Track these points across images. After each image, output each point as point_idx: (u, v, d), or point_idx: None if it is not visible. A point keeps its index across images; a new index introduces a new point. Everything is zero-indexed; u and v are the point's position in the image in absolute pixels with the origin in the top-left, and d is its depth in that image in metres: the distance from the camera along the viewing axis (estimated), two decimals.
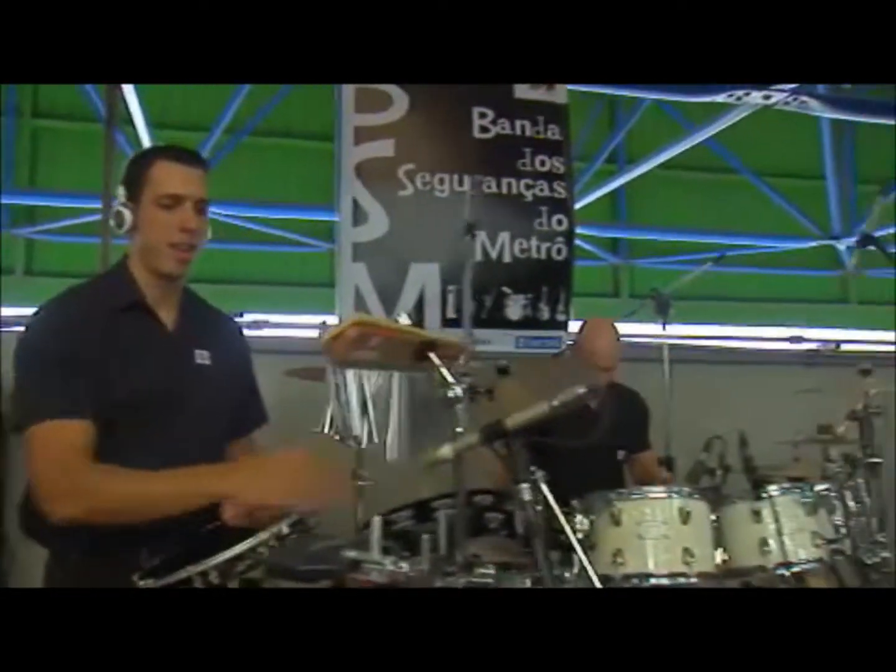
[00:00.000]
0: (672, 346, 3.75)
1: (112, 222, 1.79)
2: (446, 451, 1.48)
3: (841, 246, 6.60)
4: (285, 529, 1.30)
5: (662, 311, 3.56)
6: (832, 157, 6.33)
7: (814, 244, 6.59)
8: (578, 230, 6.51)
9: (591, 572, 2.47)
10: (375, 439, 3.04)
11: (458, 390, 1.62)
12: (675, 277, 4.45)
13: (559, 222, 4.50)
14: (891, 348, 6.12)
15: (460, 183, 4.41)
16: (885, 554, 2.69)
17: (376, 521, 1.42)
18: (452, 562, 1.66)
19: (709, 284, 7.07)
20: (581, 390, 1.43)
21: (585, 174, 6.59)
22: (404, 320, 1.80)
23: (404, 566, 1.39)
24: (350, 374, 2.79)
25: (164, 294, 1.79)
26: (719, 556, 2.65)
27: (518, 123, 4.48)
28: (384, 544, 1.78)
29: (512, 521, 2.02)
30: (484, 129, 4.46)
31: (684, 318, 6.15)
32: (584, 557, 2.47)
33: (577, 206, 6.26)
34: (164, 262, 1.74)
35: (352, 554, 1.37)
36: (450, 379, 1.61)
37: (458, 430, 1.62)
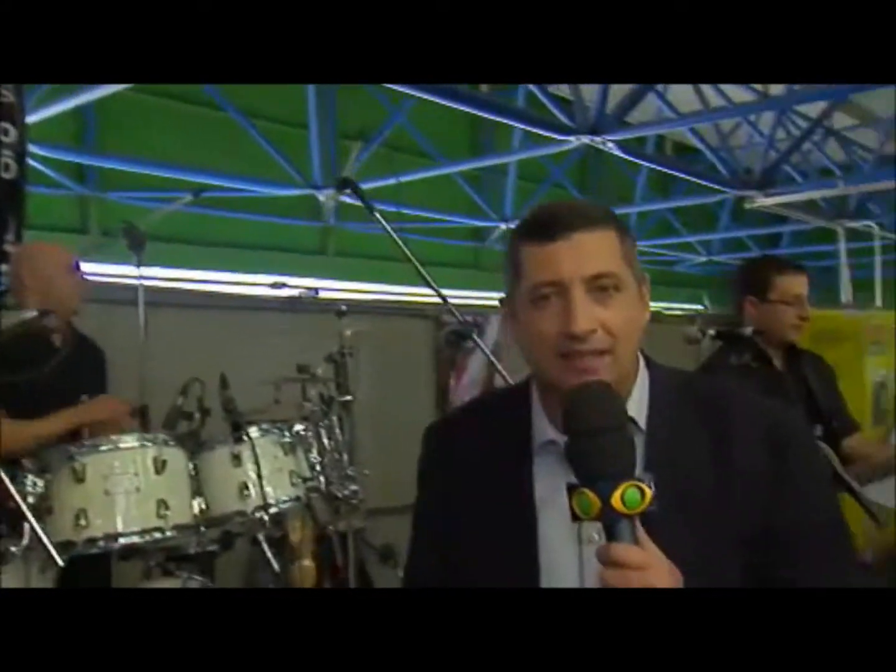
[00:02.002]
0: (149, 290, 3.51)
1: None
2: None
3: (321, 196, 7.00)
4: None
5: (136, 247, 3.28)
6: (316, 108, 6.61)
7: (296, 192, 6.83)
8: (38, 151, 5.78)
9: (45, 541, 2.18)
10: None
11: None
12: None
13: (5, 132, 3.87)
14: (365, 297, 6.78)
15: None
16: (354, 487, 2.91)
17: None
18: None
19: (193, 228, 6.92)
20: (30, 314, 1.18)
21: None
22: None
23: None
24: None
25: None
26: (197, 505, 2.57)
27: None
28: None
29: None
30: None
31: (164, 262, 5.92)
32: (35, 524, 2.16)
33: (33, 120, 5.51)
34: None
35: None
36: None
37: None
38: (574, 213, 1.10)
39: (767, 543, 1.08)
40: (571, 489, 0.97)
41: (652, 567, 0.94)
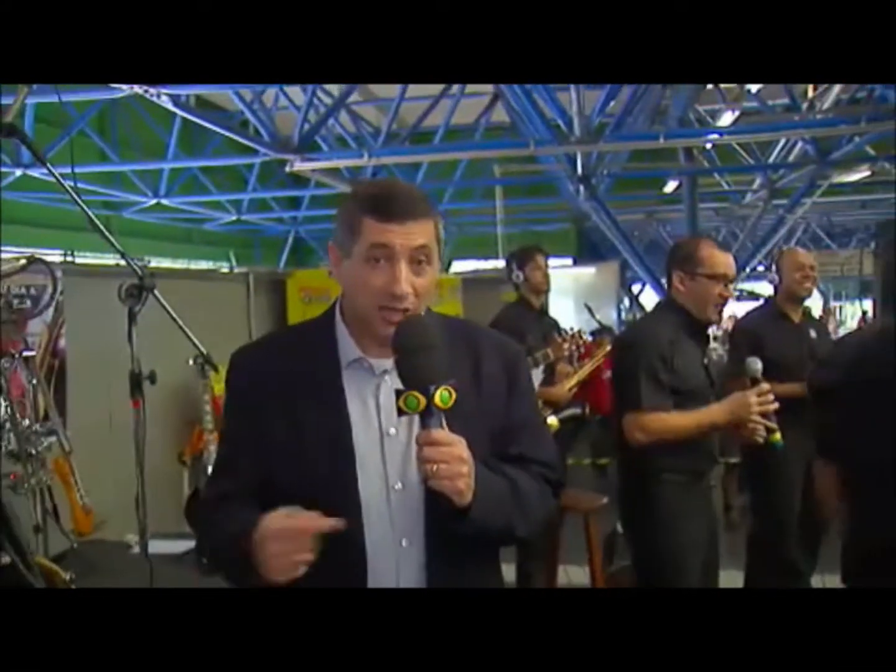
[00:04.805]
0: None
1: None
2: None
3: None
4: None
5: None
6: None
7: None
8: None
9: None
10: None
11: None
12: None
13: None
14: None
15: None
16: (51, 439, 2.95)
17: None
18: None
19: None
20: None
21: None
22: None
23: None
24: None
25: None
26: None
27: None
28: None
29: None
30: None
31: None
32: None
33: None
34: None
35: None
36: None
37: None
38: (409, 201, 1.46)
39: (505, 430, 1.61)
40: (400, 392, 1.32)
41: (454, 443, 1.33)
